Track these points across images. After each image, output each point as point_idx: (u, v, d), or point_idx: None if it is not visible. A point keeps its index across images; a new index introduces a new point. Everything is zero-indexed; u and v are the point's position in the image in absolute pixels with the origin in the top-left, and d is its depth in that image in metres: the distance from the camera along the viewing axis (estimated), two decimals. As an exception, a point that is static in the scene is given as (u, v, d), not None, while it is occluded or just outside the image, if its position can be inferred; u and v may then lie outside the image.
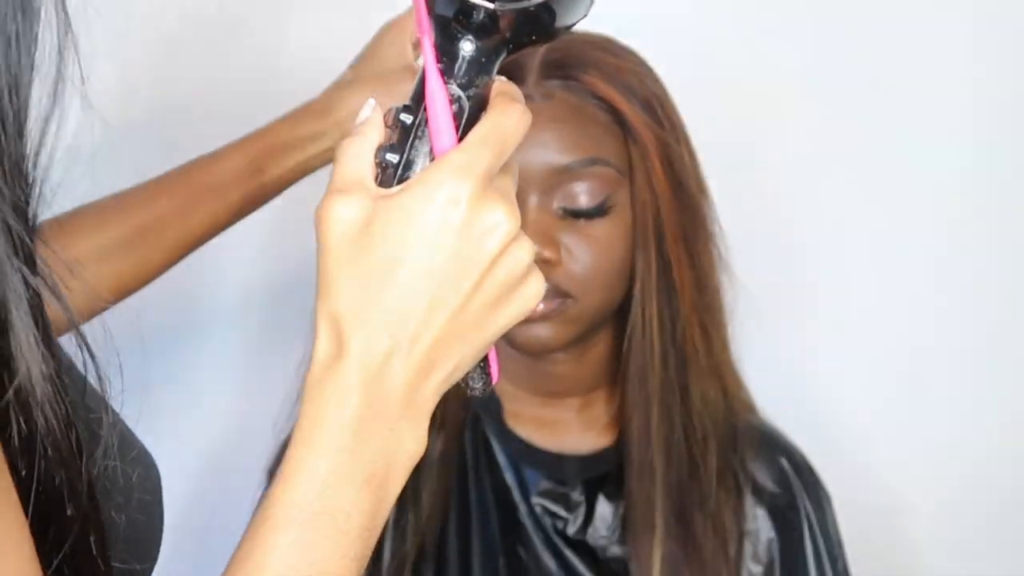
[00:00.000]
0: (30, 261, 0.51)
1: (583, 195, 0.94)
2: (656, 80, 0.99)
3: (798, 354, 1.39)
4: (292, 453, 0.56)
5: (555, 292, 0.94)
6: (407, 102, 0.60)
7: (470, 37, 0.60)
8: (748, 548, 1.02)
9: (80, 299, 0.60)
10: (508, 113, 0.59)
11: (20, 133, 0.52)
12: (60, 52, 0.52)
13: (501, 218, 0.57)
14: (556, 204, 0.94)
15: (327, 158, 0.98)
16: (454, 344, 0.58)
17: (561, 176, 0.93)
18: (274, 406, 1.00)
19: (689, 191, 0.98)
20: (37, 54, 0.52)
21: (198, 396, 1.36)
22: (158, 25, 1.25)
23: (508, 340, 0.96)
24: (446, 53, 0.60)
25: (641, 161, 0.95)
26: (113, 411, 0.62)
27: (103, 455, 0.58)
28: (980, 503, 1.43)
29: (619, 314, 0.99)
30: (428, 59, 0.59)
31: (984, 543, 1.44)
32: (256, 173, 0.98)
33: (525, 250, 0.59)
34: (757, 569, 1.02)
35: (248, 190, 0.98)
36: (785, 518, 1.04)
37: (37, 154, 0.53)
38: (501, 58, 0.61)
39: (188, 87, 1.29)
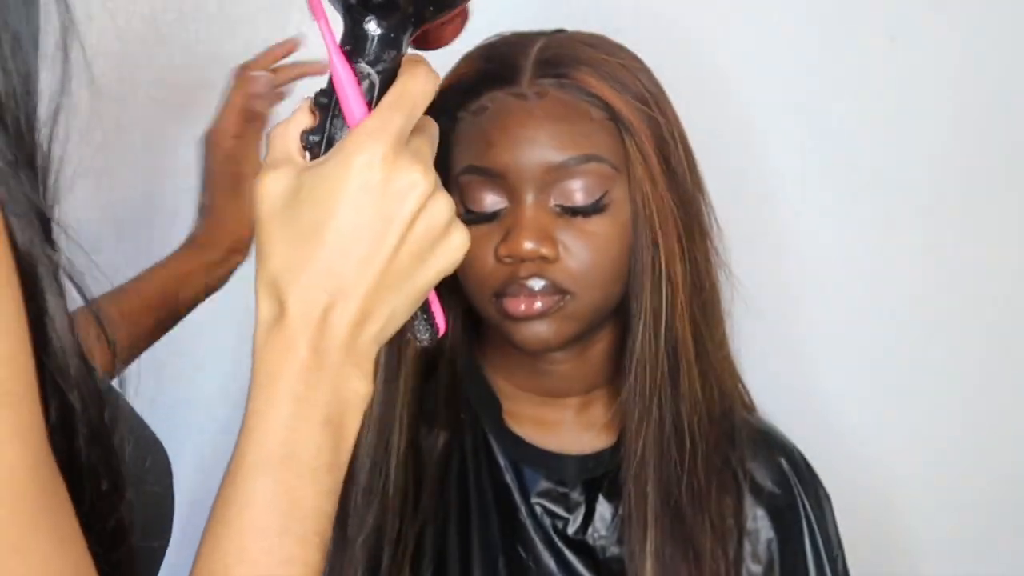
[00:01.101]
0: (54, 248, 0.54)
1: (579, 192, 0.94)
2: (650, 76, 0.99)
3: (795, 353, 1.39)
4: (252, 408, 0.60)
5: (554, 289, 0.94)
6: (324, 87, 0.65)
7: (373, 17, 0.64)
8: (747, 547, 1.02)
9: None
10: (415, 75, 0.63)
11: (32, 127, 0.54)
12: (65, 46, 0.55)
13: (417, 178, 0.61)
14: (553, 202, 0.94)
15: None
16: (386, 295, 0.62)
17: (557, 174, 0.93)
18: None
19: (685, 187, 0.98)
20: (42, 48, 0.55)
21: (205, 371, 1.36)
22: (158, 25, 1.25)
23: (508, 339, 0.97)
24: (354, 35, 0.65)
25: (637, 156, 0.95)
26: (119, 392, 0.65)
27: (124, 433, 0.61)
28: (979, 501, 1.44)
29: (618, 313, 0.99)
30: (327, 42, 0.63)
31: (983, 541, 1.44)
32: (169, 301, 1.06)
33: (443, 205, 0.63)
34: (756, 568, 1.02)
35: (160, 317, 1.06)
36: (784, 518, 1.03)
37: (50, 146, 0.55)
38: (408, 33, 0.66)
39: (188, 87, 1.29)
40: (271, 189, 0.61)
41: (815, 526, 1.04)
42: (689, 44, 1.33)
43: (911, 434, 1.42)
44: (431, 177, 0.62)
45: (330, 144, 0.64)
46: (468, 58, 0.99)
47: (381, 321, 0.63)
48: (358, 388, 0.62)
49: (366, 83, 0.64)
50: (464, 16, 0.70)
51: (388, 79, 0.64)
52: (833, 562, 1.05)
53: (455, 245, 0.64)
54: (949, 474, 1.43)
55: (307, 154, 0.64)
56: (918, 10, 1.36)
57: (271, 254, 0.61)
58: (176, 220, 1.20)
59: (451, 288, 1.01)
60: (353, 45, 0.65)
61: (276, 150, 0.64)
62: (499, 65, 0.96)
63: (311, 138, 0.65)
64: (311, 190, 0.61)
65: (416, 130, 0.63)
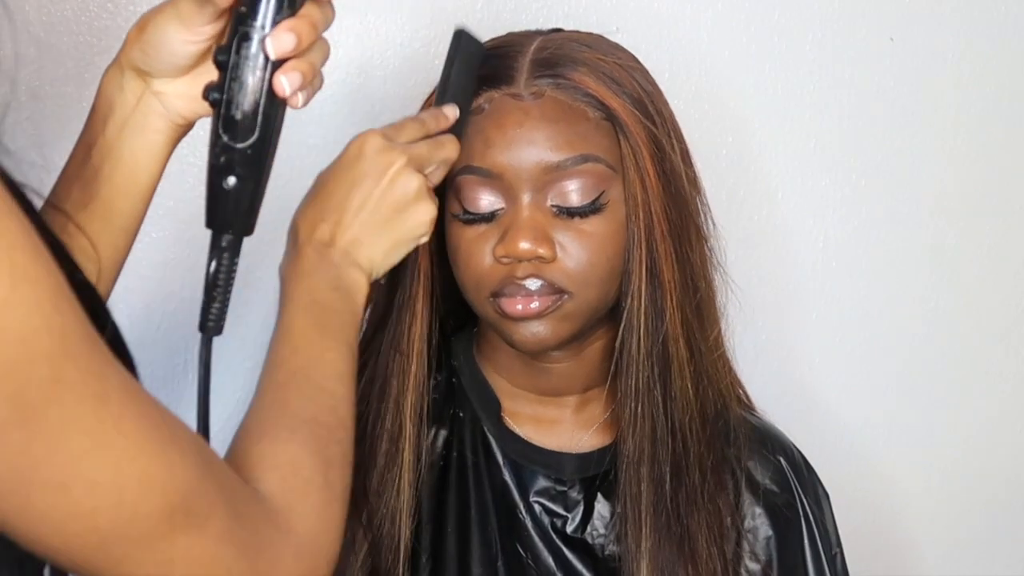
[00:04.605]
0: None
1: (576, 193, 0.94)
2: (646, 76, 1.00)
3: (794, 352, 1.39)
4: (282, 288, 0.84)
5: (551, 288, 0.94)
6: (222, 45, 0.75)
7: None
8: (746, 546, 1.02)
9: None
10: (451, 140, 0.92)
11: None
12: None
13: (397, 155, 0.87)
14: (550, 202, 0.94)
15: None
16: (373, 231, 0.86)
17: (554, 174, 0.94)
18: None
19: (680, 186, 0.98)
20: None
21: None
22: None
23: (506, 339, 0.97)
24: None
25: (632, 157, 0.95)
26: None
27: None
28: (978, 499, 1.44)
29: (615, 312, 1.00)
30: None
31: (982, 539, 1.45)
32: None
33: (413, 179, 0.87)
34: (755, 567, 1.02)
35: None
36: (783, 516, 1.04)
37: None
38: None
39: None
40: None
41: (814, 524, 1.04)
42: (688, 44, 1.33)
43: (911, 433, 1.42)
44: (404, 157, 0.87)
45: (229, 105, 0.75)
46: None
47: (368, 245, 0.86)
48: (358, 277, 0.85)
49: (261, 46, 0.74)
50: None
51: None
52: (832, 560, 1.05)
53: (423, 209, 0.87)
54: (948, 472, 1.43)
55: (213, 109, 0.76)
56: (918, 10, 1.37)
57: (298, 211, 0.88)
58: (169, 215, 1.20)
59: (449, 288, 1.01)
60: (247, 8, 0.73)
61: None
62: (495, 66, 0.96)
63: (213, 95, 0.75)
64: (329, 166, 0.88)
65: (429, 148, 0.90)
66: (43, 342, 0.55)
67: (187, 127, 0.88)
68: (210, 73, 0.79)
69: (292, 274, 0.84)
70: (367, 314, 0.96)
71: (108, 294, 0.88)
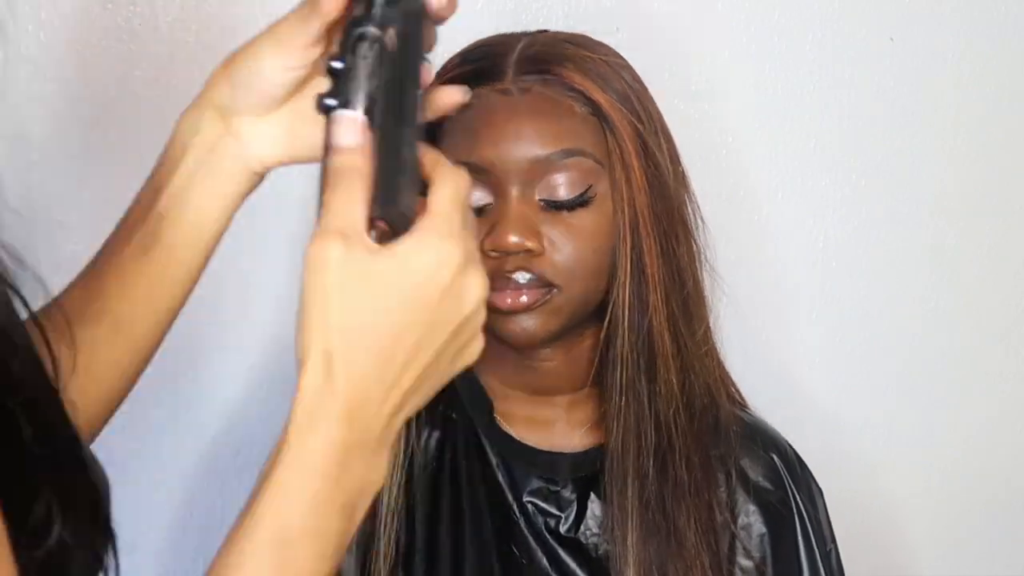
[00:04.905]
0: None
1: (563, 186, 0.94)
2: (632, 73, 1.00)
3: (788, 350, 1.39)
4: (278, 476, 0.60)
5: (539, 282, 0.94)
6: (335, 51, 0.67)
7: None
8: (739, 543, 1.02)
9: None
10: (458, 176, 0.66)
11: None
12: None
13: (478, 283, 0.64)
14: (537, 196, 0.95)
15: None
16: (423, 387, 0.65)
17: (541, 168, 0.94)
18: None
19: (666, 182, 0.98)
20: None
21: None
22: (158, 24, 1.25)
23: (495, 334, 0.96)
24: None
25: (618, 151, 0.96)
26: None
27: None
28: (974, 498, 1.44)
29: (605, 309, 1.00)
30: None
31: (978, 538, 1.44)
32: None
33: (483, 313, 0.66)
34: (748, 564, 1.02)
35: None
36: (777, 513, 1.03)
37: None
38: None
39: (188, 87, 1.29)
40: (337, 257, 0.61)
41: (807, 521, 1.04)
42: (688, 44, 1.33)
43: (910, 433, 1.42)
44: (485, 285, 0.65)
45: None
46: (454, 59, 0.99)
47: (410, 410, 0.65)
48: (377, 476, 0.64)
49: (376, 46, 0.66)
50: None
51: (403, 44, 0.67)
52: (826, 557, 1.05)
53: (476, 349, 0.68)
54: (948, 472, 1.43)
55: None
56: (918, 10, 1.36)
57: (333, 327, 0.61)
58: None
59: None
60: (362, 9, 0.67)
61: (339, 217, 0.62)
62: (483, 63, 0.97)
63: (327, 102, 0.65)
64: (382, 276, 0.61)
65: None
66: None
67: (260, 177, 0.82)
68: (298, 115, 0.76)
69: (306, 445, 0.61)
70: None
71: (150, 353, 0.81)
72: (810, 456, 1.09)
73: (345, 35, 0.67)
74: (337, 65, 0.66)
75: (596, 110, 0.96)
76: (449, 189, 0.65)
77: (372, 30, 0.66)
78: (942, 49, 1.36)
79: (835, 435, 1.39)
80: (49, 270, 0.67)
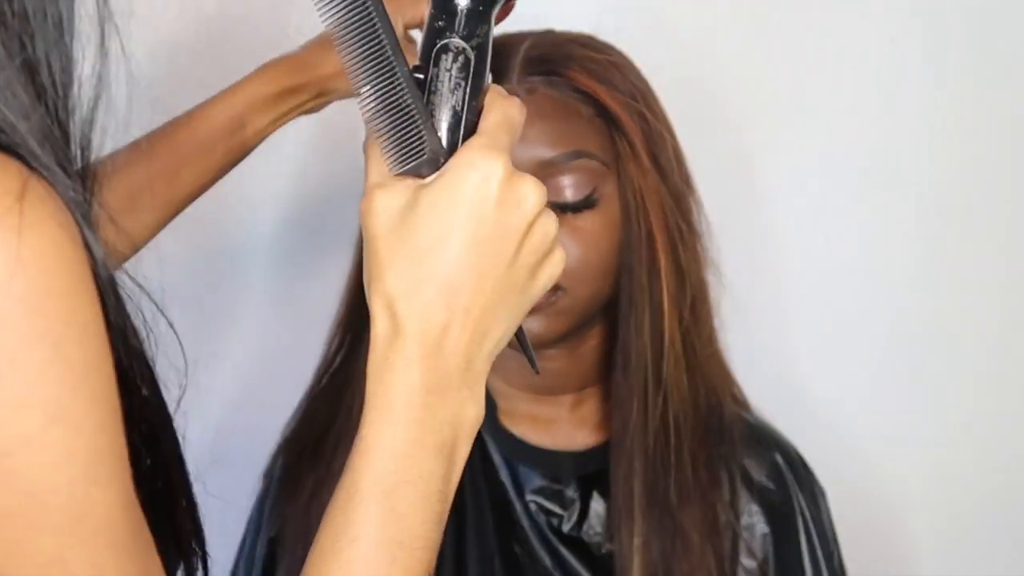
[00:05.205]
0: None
1: (569, 189, 0.94)
2: (638, 74, 1.00)
3: (790, 351, 1.39)
4: (366, 431, 0.60)
5: None
6: (417, 63, 0.66)
7: None
8: (742, 543, 1.02)
9: None
10: (512, 101, 0.65)
11: (71, 116, 0.55)
12: (101, 34, 0.56)
13: (531, 188, 0.61)
14: None
15: (307, 110, 1.02)
16: (501, 310, 0.62)
17: (547, 170, 0.94)
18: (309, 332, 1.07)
19: (674, 183, 0.98)
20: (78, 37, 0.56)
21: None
22: (157, 25, 1.25)
23: None
24: (445, 11, 0.66)
25: (627, 153, 0.96)
26: None
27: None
28: (975, 498, 1.44)
29: (609, 310, 1.00)
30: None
31: (979, 538, 1.44)
32: (238, 129, 0.99)
33: (552, 219, 0.63)
34: (751, 564, 1.02)
35: (230, 146, 1.00)
36: (780, 513, 1.04)
37: (88, 132, 0.57)
38: (497, 6, 0.67)
39: (188, 86, 1.29)
40: (385, 205, 0.61)
41: (810, 522, 1.04)
42: (689, 44, 1.33)
43: (908, 432, 1.41)
44: (542, 189, 0.62)
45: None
46: None
47: (495, 338, 0.62)
48: (471, 412, 0.62)
49: (460, 58, 0.66)
50: None
51: (482, 55, 0.66)
52: (829, 557, 1.05)
53: (557, 260, 0.64)
54: (948, 472, 1.43)
55: None
56: (918, 10, 1.36)
57: (388, 272, 0.60)
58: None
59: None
60: (445, 21, 0.66)
61: (374, 175, 0.63)
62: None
63: None
64: (429, 206, 0.60)
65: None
66: (56, 509, 0.47)
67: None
68: None
69: (386, 397, 0.60)
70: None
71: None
72: (811, 456, 1.09)
73: (428, 44, 0.67)
74: (419, 77, 0.66)
75: (602, 111, 0.95)
76: (495, 114, 0.64)
77: (457, 43, 0.66)
78: (942, 49, 1.36)
79: (836, 435, 1.38)
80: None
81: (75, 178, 0.54)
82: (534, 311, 0.94)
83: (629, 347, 0.98)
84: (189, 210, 1.12)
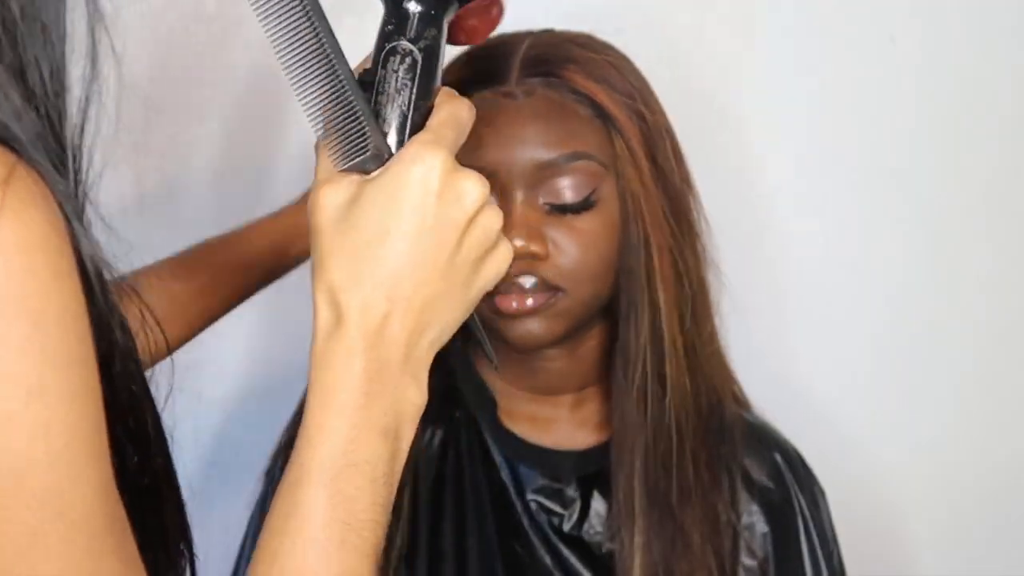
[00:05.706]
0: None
1: (568, 190, 0.94)
2: (637, 73, 1.00)
3: (789, 351, 1.39)
4: (310, 419, 0.62)
5: (545, 286, 0.94)
6: (367, 66, 0.68)
7: None
8: (742, 543, 1.03)
9: None
10: (461, 102, 0.68)
11: (62, 119, 0.57)
12: (92, 37, 0.58)
13: (472, 183, 0.64)
14: (542, 199, 0.95)
15: None
16: (443, 302, 0.64)
17: (546, 172, 0.94)
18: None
19: (673, 184, 0.98)
20: (69, 40, 0.57)
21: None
22: (157, 24, 1.25)
23: (501, 337, 0.97)
24: (395, 15, 0.68)
25: (625, 154, 0.95)
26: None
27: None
28: (975, 497, 1.44)
29: (609, 310, 1.00)
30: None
31: (979, 538, 1.44)
32: (279, 255, 1.03)
33: (495, 214, 0.65)
34: (751, 563, 1.02)
35: (270, 268, 1.03)
36: (779, 513, 1.04)
37: (80, 139, 0.58)
38: (448, 11, 0.69)
39: (188, 87, 1.29)
40: (330, 200, 0.63)
41: (810, 521, 1.04)
42: (689, 44, 1.33)
43: (907, 432, 1.41)
44: (484, 184, 0.64)
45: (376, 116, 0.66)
46: (457, 61, 0.99)
47: (437, 329, 0.64)
48: (414, 398, 0.64)
49: (408, 60, 0.67)
50: (500, 9, 0.74)
51: (430, 57, 0.68)
52: (828, 557, 1.05)
53: (502, 254, 0.66)
54: (949, 472, 1.43)
55: None
56: (918, 10, 1.36)
57: (330, 263, 0.62)
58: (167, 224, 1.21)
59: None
60: (395, 25, 0.68)
61: (321, 172, 0.65)
62: (487, 65, 0.97)
63: None
64: (372, 200, 0.62)
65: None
66: (34, 485, 0.48)
67: None
68: None
69: (329, 385, 0.62)
70: None
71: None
72: (811, 456, 1.10)
73: (378, 47, 0.69)
74: (367, 79, 0.68)
75: (601, 112, 0.95)
76: (443, 112, 0.66)
77: (405, 45, 0.68)
78: (942, 49, 1.36)
79: (835, 435, 1.38)
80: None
81: (67, 175, 0.55)
82: (534, 313, 0.95)
83: (629, 347, 0.98)
84: (185, 214, 1.13)
